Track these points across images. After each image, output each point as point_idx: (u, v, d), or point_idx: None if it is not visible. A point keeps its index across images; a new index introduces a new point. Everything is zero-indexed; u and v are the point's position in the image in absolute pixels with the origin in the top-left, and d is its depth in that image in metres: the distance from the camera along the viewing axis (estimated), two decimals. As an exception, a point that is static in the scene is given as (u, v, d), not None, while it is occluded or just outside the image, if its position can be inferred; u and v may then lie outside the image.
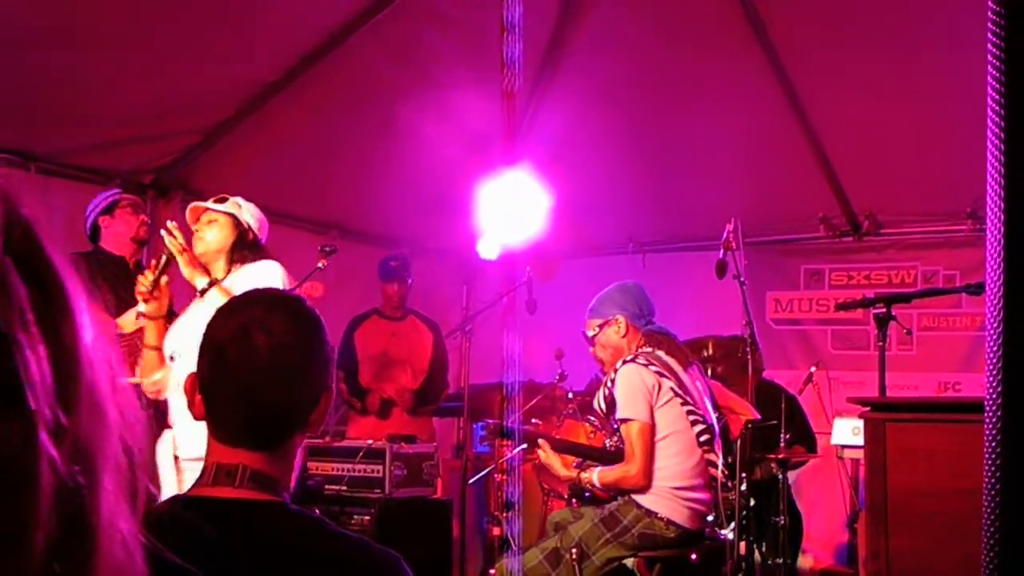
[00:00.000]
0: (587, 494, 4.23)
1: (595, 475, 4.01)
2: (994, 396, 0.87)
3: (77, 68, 4.74)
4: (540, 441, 4.15)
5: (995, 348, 0.88)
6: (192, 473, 3.46)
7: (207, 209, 3.79)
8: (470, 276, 7.63)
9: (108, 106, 5.10)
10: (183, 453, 3.55)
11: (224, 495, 1.57)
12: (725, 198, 6.25)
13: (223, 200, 3.82)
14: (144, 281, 3.68)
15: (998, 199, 0.90)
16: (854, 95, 5.54)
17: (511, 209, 5.06)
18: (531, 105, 5.90)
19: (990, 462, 0.86)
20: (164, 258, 3.69)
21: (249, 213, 3.82)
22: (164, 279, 3.70)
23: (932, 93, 5.31)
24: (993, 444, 0.86)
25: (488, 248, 6.18)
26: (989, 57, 0.94)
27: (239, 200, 3.83)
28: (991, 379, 0.87)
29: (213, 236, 3.74)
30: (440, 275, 7.65)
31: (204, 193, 5.71)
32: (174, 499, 1.67)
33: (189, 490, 1.63)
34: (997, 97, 0.92)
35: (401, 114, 5.73)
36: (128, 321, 4.15)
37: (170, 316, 3.87)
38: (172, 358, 3.67)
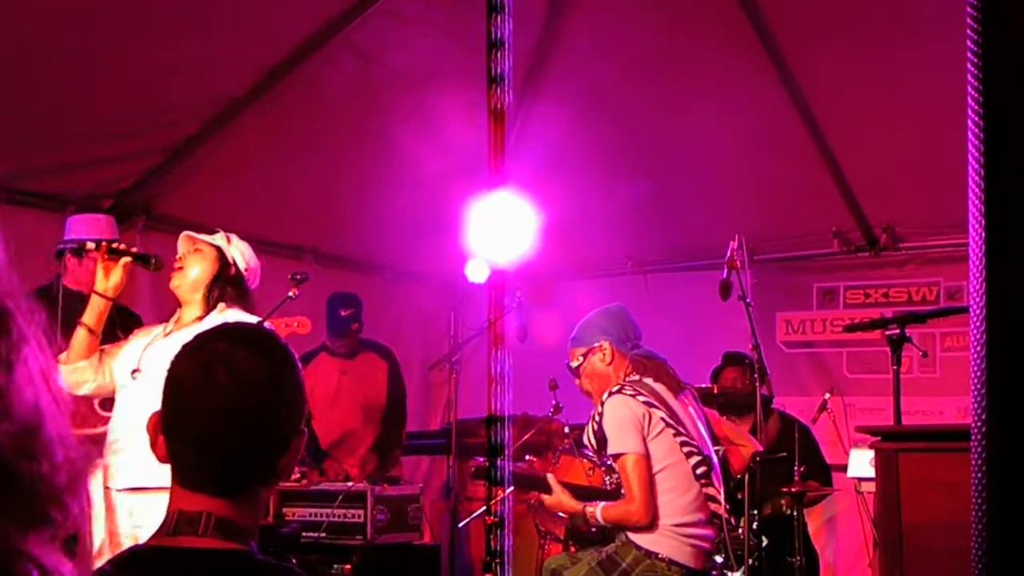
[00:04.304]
0: (593, 530, 4.23)
1: (599, 510, 4.03)
2: (979, 424, 0.91)
3: (27, 84, 4.75)
4: (550, 478, 4.16)
5: (979, 374, 0.92)
6: (124, 508, 3.51)
7: (197, 239, 3.87)
8: (458, 302, 7.65)
9: (62, 125, 5.11)
10: (117, 484, 3.58)
11: (186, 544, 1.59)
12: (731, 213, 6.27)
13: (214, 233, 3.92)
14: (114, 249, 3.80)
15: (978, 212, 0.94)
16: (867, 97, 5.51)
17: (500, 229, 5.08)
18: (519, 116, 5.93)
19: (977, 491, 0.90)
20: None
21: (237, 250, 3.89)
22: (125, 259, 3.77)
23: (953, 91, 5.25)
24: (979, 474, 0.90)
25: (477, 271, 6.21)
26: (968, 55, 0.98)
27: (232, 236, 3.92)
28: (976, 402, 0.91)
29: (193, 267, 3.80)
30: (425, 302, 7.66)
31: (168, 218, 5.77)
32: (132, 550, 1.69)
33: (148, 539, 1.65)
34: (976, 107, 0.96)
35: (380, 129, 5.77)
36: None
37: (133, 323, 3.92)
38: (137, 372, 3.69)
